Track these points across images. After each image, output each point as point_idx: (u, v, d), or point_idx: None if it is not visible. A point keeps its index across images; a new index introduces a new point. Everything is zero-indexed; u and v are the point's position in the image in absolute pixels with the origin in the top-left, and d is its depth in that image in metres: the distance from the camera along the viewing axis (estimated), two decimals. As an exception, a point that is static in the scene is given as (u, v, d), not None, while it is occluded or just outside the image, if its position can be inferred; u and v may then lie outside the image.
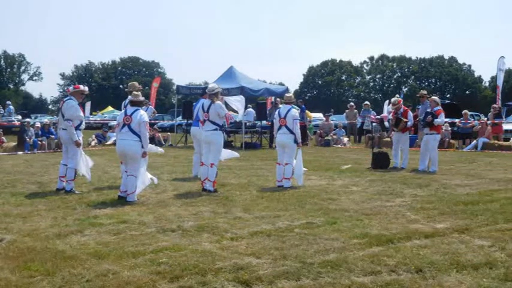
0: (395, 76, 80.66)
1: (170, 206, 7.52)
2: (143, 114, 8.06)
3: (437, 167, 11.90)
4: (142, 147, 7.98)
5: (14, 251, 5.15)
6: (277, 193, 8.68)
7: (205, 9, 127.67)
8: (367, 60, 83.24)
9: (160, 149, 9.96)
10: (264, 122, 22.29)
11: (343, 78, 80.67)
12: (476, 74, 77.53)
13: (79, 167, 8.83)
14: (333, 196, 8.40)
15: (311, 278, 4.38)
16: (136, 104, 8.23)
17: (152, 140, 18.10)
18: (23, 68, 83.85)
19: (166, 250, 5.14)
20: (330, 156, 16.13)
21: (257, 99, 25.79)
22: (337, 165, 13.15)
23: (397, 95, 13.78)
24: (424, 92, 15.28)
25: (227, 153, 9.63)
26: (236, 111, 21.38)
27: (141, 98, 8.40)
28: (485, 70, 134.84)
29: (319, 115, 34.83)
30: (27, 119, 22.54)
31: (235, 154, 9.97)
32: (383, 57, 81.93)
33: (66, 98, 9.02)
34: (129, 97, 8.67)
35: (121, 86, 78.66)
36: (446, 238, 5.66)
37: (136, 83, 9.76)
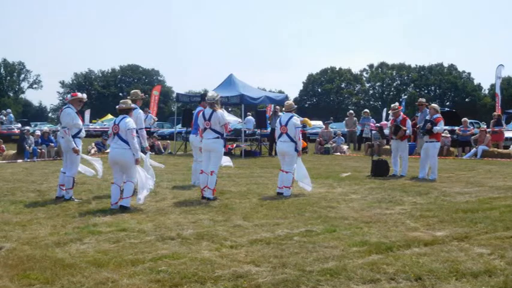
0: (394, 84, 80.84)
1: (169, 214, 7.52)
2: (128, 122, 8.02)
3: (437, 175, 11.91)
4: (134, 154, 7.98)
5: (13, 259, 5.14)
6: (277, 201, 8.68)
7: (205, 18, 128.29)
8: (367, 68, 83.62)
9: (161, 165, 9.94)
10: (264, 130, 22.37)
11: (343, 86, 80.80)
12: (475, 82, 77.76)
13: (82, 169, 8.94)
14: (333, 204, 8.40)
15: (310, 286, 4.37)
16: (123, 111, 8.24)
17: (152, 147, 18.12)
18: (22, 76, 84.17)
19: (165, 258, 5.14)
20: (330, 164, 16.13)
21: (257, 107, 25.85)
22: (336, 173, 13.15)
23: (397, 103, 13.82)
24: (423, 100, 15.34)
25: (225, 159, 9.67)
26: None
27: (129, 105, 8.35)
28: (484, 78, 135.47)
29: (319, 123, 34.89)
30: (27, 127, 22.55)
31: (231, 163, 10.09)
32: (382, 65, 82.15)
33: (65, 106, 9.10)
34: (132, 105, 8.69)
35: (121, 94, 78.73)
36: (446, 246, 5.65)
37: (138, 91, 9.79)
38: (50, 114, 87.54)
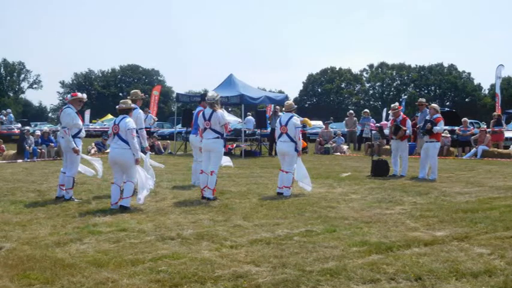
0: (394, 84, 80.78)
1: (169, 214, 7.52)
2: (128, 122, 8.03)
3: (437, 175, 11.90)
4: (134, 154, 7.99)
5: (13, 259, 5.15)
6: (277, 201, 8.68)
7: (205, 18, 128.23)
8: (367, 68, 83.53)
9: (161, 165, 9.95)
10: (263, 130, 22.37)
11: (343, 86, 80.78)
12: (475, 82, 77.75)
13: (82, 169, 8.95)
14: (333, 204, 8.40)
15: (310, 286, 4.38)
16: (123, 111, 8.24)
17: (152, 147, 18.12)
18: (22, 76, 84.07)
19: (165, 258, 5.14)
20: (330, 164, 16.13)
21: (257, 107, 25.87)
22: (336, 173, 13.15)
23: (397, 103, 13.82)
24: (423, 100, 15.34)
25: (225, 159, 9.68)
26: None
27: (129, 105, 8.36)
28: (484, 78, 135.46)
29: (319, 123, 34.89)
30: (27, 127, 22.55)
31: (231, 163, 10.09)
32: (382, 65, 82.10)
33: (65, 106, 9.11)
34: (132, 105, 8.69)
35: (121, 94, 78.71)
36: (446, 246, 5.65)
37: (138, 91, 9.79)
38: (50, 114, 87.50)
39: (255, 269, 4.79)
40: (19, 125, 26.97)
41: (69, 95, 9.44)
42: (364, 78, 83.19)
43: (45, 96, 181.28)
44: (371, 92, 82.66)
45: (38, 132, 19.46)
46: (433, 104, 13.19)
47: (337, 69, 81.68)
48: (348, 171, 13.78)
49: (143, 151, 8.78)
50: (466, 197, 9.13)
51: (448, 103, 73.74)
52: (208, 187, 8.80)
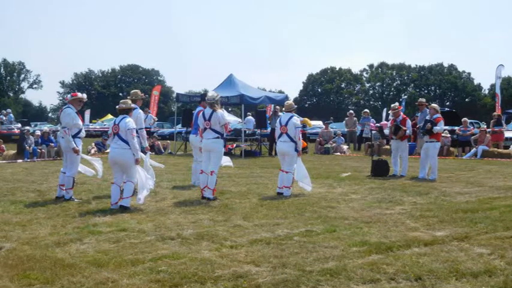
0: (394, 84, 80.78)
1: (169, 214, 7.52)
2: (128, 122, 8.03)
3: (437, 175, 11.90)
4: (134, 154, 7.99)
5: (13, 259, 5.15)
6: (277, 201, 8.68)
7: (205, 18, 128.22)
8: (367, 68, 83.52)
9: (161, 165, 9.96)
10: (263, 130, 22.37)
11: (343, 86, 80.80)
12: (475, 82, 77.75)
13: (82, 169, 8.96)
14: (333, 204, 8.40)
15: (310, 286, 4.38)
16: (123, 111, 8.24)
17: (152, 147, 18.12)
18: (22, 76, 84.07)
19: (165, 258, 5.14)
20: (330, 164, 16.13)
21: (257, 107, 25.86)
22: (336, 173, 13.15)
23: (397, 103, 13.82)
24: (423, 100, 15.34)
25: (225, 159, 9.69)
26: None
27: (129, 105, 8.36)
28: (484, 78, 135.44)
29: (319, 123, 34.89)
30: (27, 127, 22.55)
31: (231, 163, 10.09)
32: (382, 65, 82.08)
33: (65, 107, 9.11)
34: (132, 105, 8.70)
35: (121, 94, 78.69)
36: (446, 246, 5.65)
37: (138, 91, 9.79)
38: (50, 114, 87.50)
39: (255, 269, 4.79)
40: (19, 125, 26.97)
41: (69, 95, 9.44)
42: (364, 78, 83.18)
43: (45, 96, 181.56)
44: (371, 92, 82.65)
45: (38, 132, 19.45)
46: (433, 104, 13.19)
47: (337, 69, 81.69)
48: (348, 171, 13.78)
49: (143, 151, 8.79)
50: (466, 197, 9.13)
51: (448, 103, 73.74)
52: (208, 187, 8.81)
